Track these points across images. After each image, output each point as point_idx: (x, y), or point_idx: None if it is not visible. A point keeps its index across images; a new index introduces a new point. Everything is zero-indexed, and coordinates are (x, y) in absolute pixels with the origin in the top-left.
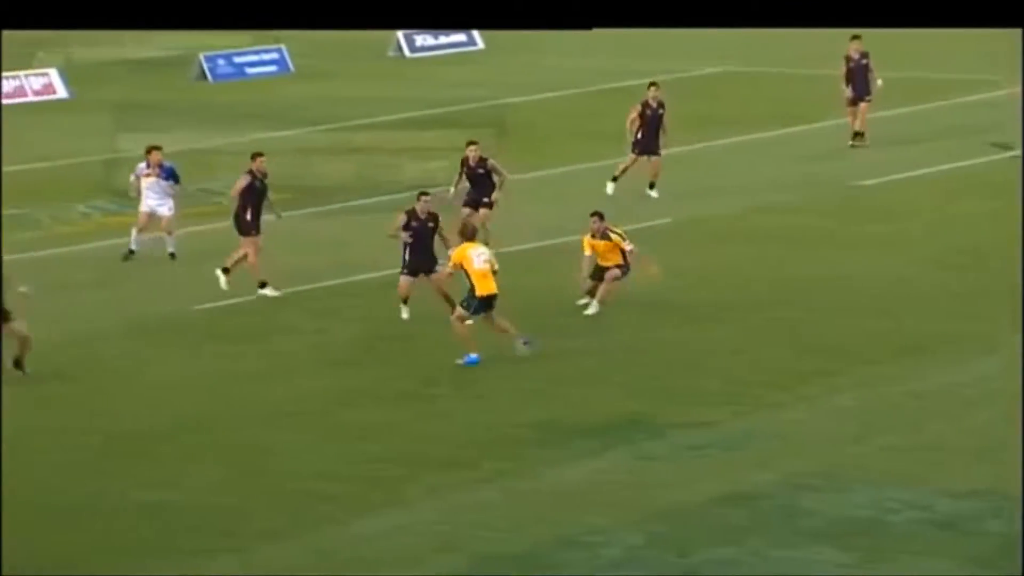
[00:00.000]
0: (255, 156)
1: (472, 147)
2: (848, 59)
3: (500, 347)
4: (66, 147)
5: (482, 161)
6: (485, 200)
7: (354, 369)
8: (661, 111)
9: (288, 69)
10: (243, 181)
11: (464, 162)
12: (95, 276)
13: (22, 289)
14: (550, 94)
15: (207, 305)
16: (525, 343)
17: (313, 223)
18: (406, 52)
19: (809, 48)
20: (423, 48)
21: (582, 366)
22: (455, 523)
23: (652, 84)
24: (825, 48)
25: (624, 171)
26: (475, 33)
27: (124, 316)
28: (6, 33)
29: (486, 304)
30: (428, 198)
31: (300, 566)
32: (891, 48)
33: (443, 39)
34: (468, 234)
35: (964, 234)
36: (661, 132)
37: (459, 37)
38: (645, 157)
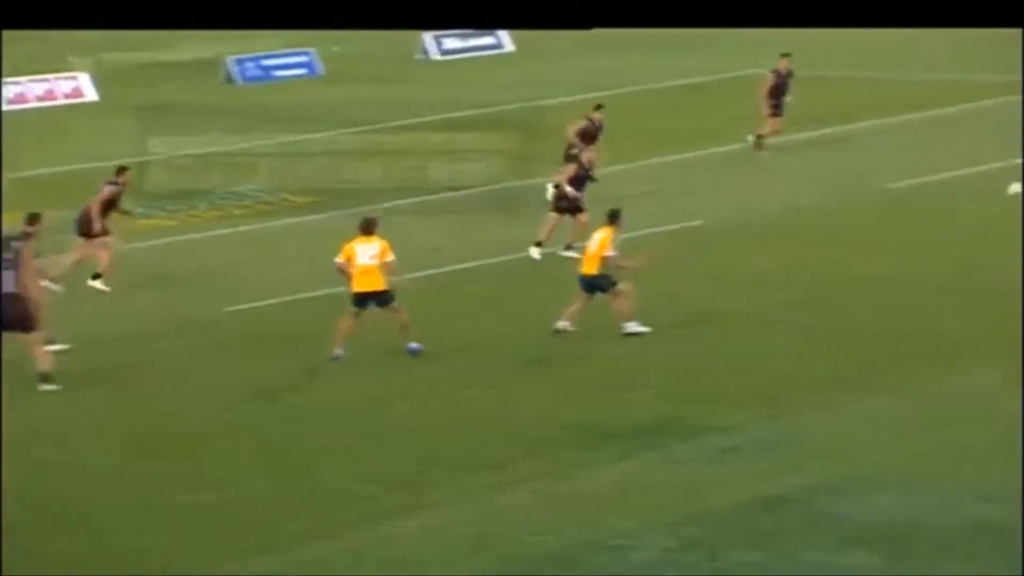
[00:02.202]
0: (121, 170)
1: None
2: (777, 74)
3: (530, 348)
4: (96, 150)
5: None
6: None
7: (388, 371)
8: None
9: (316, 72)
10: (107, 192)
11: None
12: (136, 278)
13: (51, 285)
14: (582, 96)
15: (242, 306)
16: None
17: (343, 225)
18: (433, 55)
19: (833, 50)
20: (451, 51)
21: (616, 369)
22: (486, 525)
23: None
24: (849, 50)
25: None
26: (504, 36)
27: (164, 317)
28: (38, 37)
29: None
30: None
31: (335, 567)
32: (916, 50)
33: (472, 42)
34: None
35: (996, 239)
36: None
37: (488, 39)
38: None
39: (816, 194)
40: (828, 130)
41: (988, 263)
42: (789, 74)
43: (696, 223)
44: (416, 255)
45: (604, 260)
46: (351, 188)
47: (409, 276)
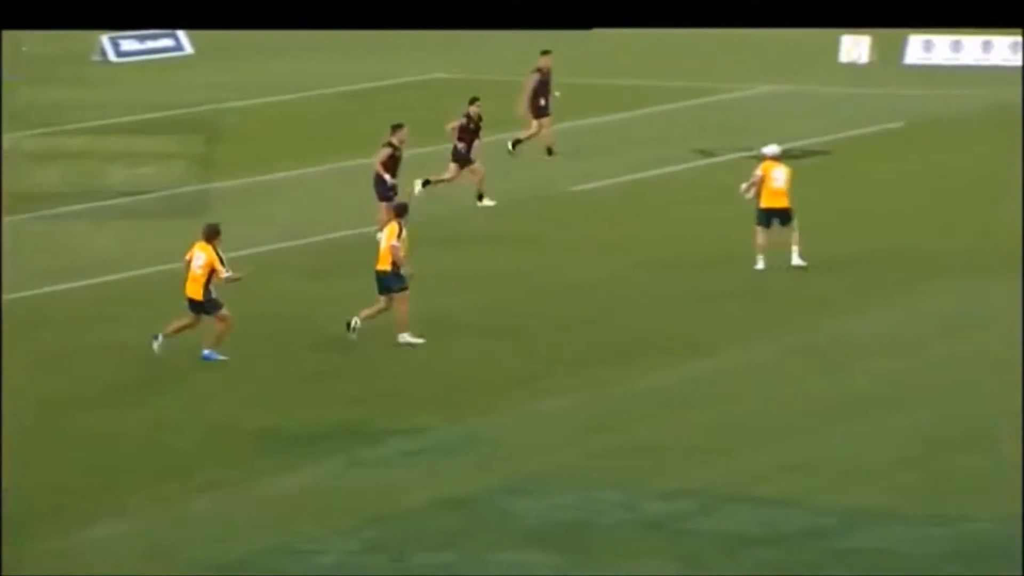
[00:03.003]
0: None
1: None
2: (540, 71)
3: (232, 356)
4: None
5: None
6: None
7: (69, 379)
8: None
9: None
10: None
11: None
12: None
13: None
14: (263, 99)
15: None
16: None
17: (22, 229)
18: (111, 57)
19: (513, 54)
20: (129, 53)
21: (301, 373)
22: (170, 533)
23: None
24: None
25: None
26: (183, 38)
27: None
28: None
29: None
30: None
31: None
32: (585, 55)
33: (150, 44)
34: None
35: (680, 239)
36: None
37: (167, 42)
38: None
39: (497, 196)
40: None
41: (674, 262)
42: (549, 72)
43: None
44: (92, 261)
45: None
46: (30, 192)
47: (84, 283)
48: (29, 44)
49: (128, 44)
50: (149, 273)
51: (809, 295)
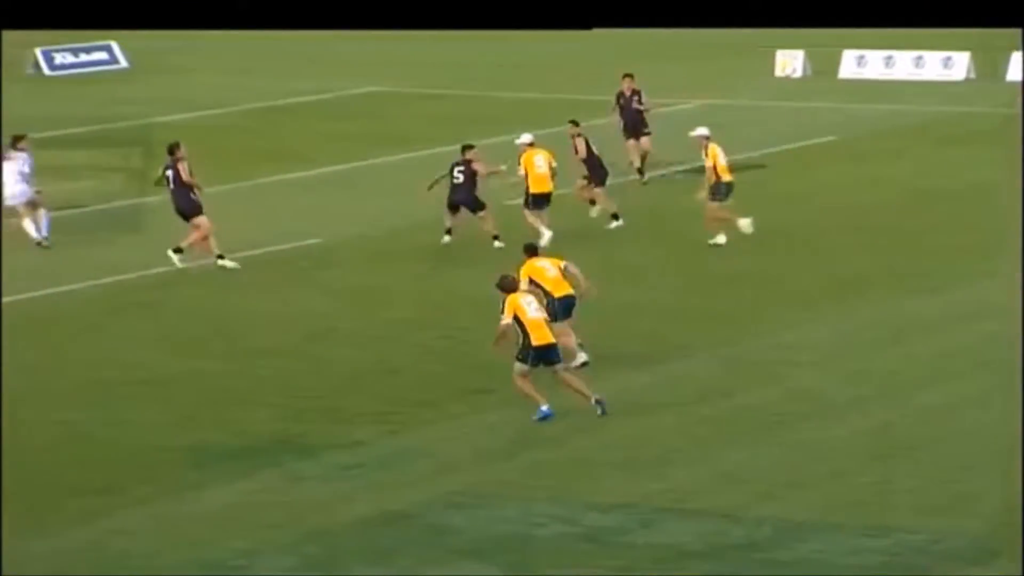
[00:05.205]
0: None
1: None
2: (620, 96)
3: (139, 369)
4: None
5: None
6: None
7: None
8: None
9: None
10: None
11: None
12: None
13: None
14: (198, 113)
15: None
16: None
17: None
18: (45, 70)
19: (471, 68)
20: (63, 66)
21: (233, 387)
22: (98, 550)
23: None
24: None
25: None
26: (118, 51)
27: None
28: None
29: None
30: None
31: None
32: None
33: (84, 57)
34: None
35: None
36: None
37: (101, 55)
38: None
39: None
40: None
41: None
42: (634, 92)
43: (313, 241)
44: (24, 275)
45: None
46: None
47: (10, 299)
48: None
49: (62, 57)
50: (83, 288)
51: (739, 309)
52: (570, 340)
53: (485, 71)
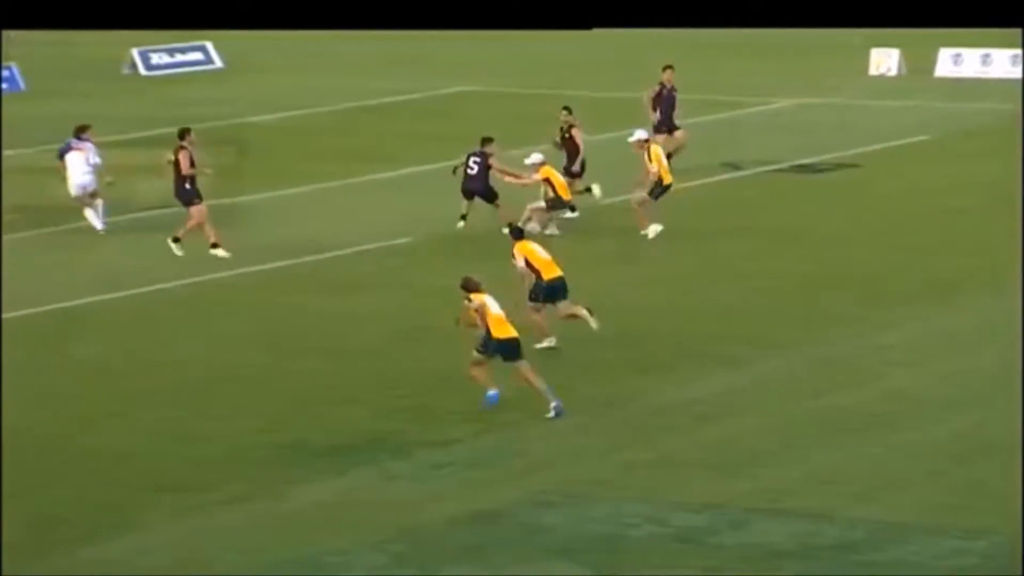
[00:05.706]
0: None
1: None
2: (661, 85)
3: (231, 368)
4: None
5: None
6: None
7: (89, 398)
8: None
9: (19, 87)
10: None
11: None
12: None
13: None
14: (290, 113)
15: None
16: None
17: (47, 244)
18: (141, 70)
19: (547, 68)
20: (159, 66)
21: (327, 386)
22: (194, 546)
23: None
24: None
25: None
26: (213, 52)
27: None
28: None
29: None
30: None
31: None
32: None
33: (179, 57)
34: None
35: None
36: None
37: (196, 55)
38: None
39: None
40: None
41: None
42: (674, 88)
43: (403, 240)
44: (122, 274)
45: None
46: (53, 205)
47: (110, 296)
48: (52, 55)
49: (158, 58)
50: (181, 285)
51: (826, 310)
52: (579, 310)
53: (582, 70)
